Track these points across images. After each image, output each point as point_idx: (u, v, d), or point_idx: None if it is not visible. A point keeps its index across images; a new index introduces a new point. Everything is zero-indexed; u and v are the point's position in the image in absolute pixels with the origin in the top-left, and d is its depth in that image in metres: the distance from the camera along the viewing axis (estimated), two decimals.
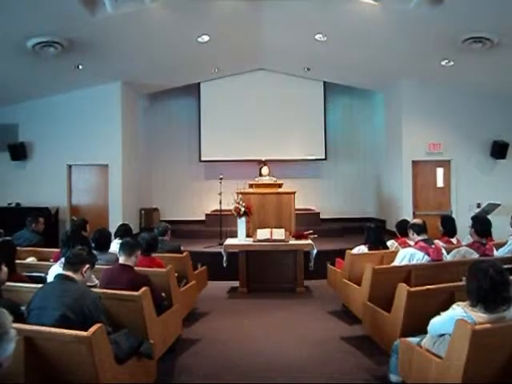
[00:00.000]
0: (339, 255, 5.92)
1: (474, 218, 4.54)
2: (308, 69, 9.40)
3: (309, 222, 8.82)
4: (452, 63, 7.31)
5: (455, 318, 2.32)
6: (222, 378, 3.61)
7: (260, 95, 10.16)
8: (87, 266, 2.85)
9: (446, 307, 3.11)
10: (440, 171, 8.87)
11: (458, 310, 2.41)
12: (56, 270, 3.36)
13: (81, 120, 8.64)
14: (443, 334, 2.50)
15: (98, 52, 6.92)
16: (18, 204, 8.65)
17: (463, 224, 5.58)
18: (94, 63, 7.39)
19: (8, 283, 3.03)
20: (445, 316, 2.51)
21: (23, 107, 8.72)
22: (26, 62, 6.67)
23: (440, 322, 2.54)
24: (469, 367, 2.21)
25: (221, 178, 7.98)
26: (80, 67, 7.34)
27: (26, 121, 8.77)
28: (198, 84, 10.19)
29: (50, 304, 2.62)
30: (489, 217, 6.67)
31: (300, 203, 8.80)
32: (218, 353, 4.14)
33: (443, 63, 7.36)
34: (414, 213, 8.57)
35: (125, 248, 3.43)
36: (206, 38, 7.26)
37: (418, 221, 4.47)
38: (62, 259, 3.25)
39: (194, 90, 10.26)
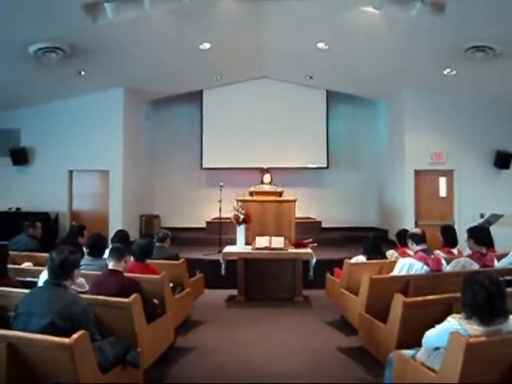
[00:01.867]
0: (339, 265, 5.84)
1: (470, 229, 4.46)
2: (310, 77, 9.39)
3: (309, 230, 8.74)
4: (455, 72, 7.27)
5: (450, 331, 2.24)
6: None
7: (262, 103, 10.15)
8: (76, 270, 2.80)
9: (443, 319, 3.04)
10: (443, 181, 8.79)
11: (453, 323, 2.34)
12: (47, 275, 3.31)
13: (82, 126, 8.66)
14: (438, 348, 2.43)
15: (100, 58, 6.95)
16: (18, 209, 8.66)
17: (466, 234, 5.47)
18: (96, 69, 7.42)
19: None
20: (439, 328, 2.44)
21: (25, 112, 8.76)
22: (27, 68, 6.70)
23: (435, 335, 2.46)
24: (463, 381, 2.13)
25: (221, 186, 7.94)
26: (82, 73, 7.37)
27: (28, 126, 8.81)
28: (201, 91, 10.21)
29: (38, 310, 2.57)
30: (491, 228, 6.64)
31: (301, 212, 8.75)
32: (212, 363, 4.06)
33: (446, 72, 7.32)
34: (416, 222, 8.48)
35: (114, 253, 3.40)
36: (207, 45, 7.28)
37: (417, 230, 4.41)
38: None
39: (196, 97, 10.27)
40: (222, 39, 7.29)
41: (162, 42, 6.90)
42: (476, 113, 8.57)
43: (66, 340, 2.18)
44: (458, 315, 2.39)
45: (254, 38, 7.66)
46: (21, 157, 8.75)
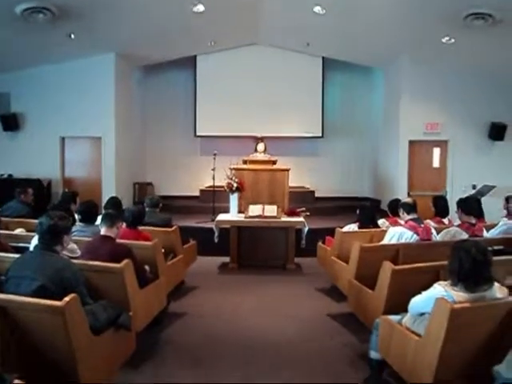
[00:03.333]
0: (331, 233, 5.90)
1: (459, 200, 4.51)
2: (308, 44, 9.18)
3: (303, 199, 8.78)
4: (453, 40, 7.14)
5: (435, 297, 2.29)
6: (205, 351, 3.62)
7: (258, 70, 9.96)
8: (66, 236, 2.80)
9: (430, 286, 3.11)
10: (437, 151, 8.79)
11: (439, 289, 2.38)
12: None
13: (73, 91, 8.49)
14: (423, 313, 2.48)
15: (90, 21, 6.75)
16: (10, 175, 8.59)
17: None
18: (87, 33, 7.21)
19: None
20: (425, 295, 2.49)
21: (15, 76, 8.55)
22: (15, 29, 6.50)
23: (420, 301, 2.51)
24: (446, 345, 2.19)
25: (215, 154, 7.88)
26: (72, 36, 7.17)
27: (18, 91, 8.63)
28: (195, 57, 9.98)
29: (29, 274, 2.58)
30: (483, 199, 6.70)
31: (295, 181, 8.76)
32: (204, 327, 4.15)
33: (444, 40, 7.19)
34: (408, 193, 8.53)
35: (106, 219, 3.40)
36: (201, 7, 7.04)
37: (408, 200, 4.43)
38: None
39: (190, 63, 10.05)
40: (216, 1, 7.07)
41: (153, 4, 6.68)
42: (473, 83, 8.47)
43: (57, 303, 2.20)
44: (445, 282, 2.43)
45: (249, 1, 7.43)
46: (11, 122, 8.62)
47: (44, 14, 5.93)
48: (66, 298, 2.22)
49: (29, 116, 8.74)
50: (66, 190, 8.36)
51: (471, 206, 4.48)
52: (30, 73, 8.53)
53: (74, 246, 3.48)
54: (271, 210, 6.34)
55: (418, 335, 2.46)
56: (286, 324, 4.27)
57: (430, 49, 7.82)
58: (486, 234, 4.52)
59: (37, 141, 8.63)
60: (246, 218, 6.33)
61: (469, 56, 7.77)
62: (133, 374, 3.18)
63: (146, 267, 3.64)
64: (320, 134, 10.13)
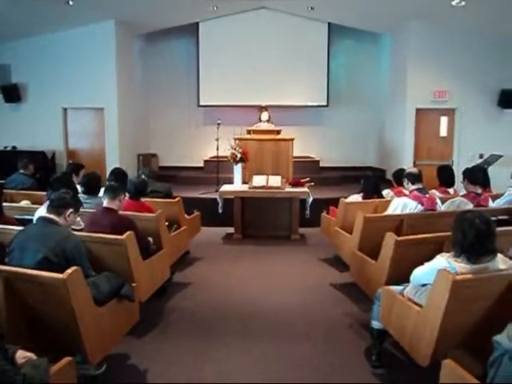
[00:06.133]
0: (336, 204, 5.88)
1: (465, 170, 4.45)
2: (312, 8, 8.89)
3: (308, 169, 8.73)
4: (464, 3, 6.88)
5: (438, 268, 2.28)
6: (208, 321, 3.68)
7: (261, 37, 9.70)
8: (70, 210, 2.80)
9: (433, 257, 3.09)
10: (444, 120, 8.62)
11: (441, 261, 2.36)
12: (41, 212, 3.33)
13: (74, 61, 8.35)
14: (425, 284, 2.48)
15: None
16: (14, 147, 8.59)
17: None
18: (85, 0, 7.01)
19: None
20: (428, 266, 2.47)
21: (15, 47, 8.43)
22: None
23: (423, 272, 2.50)
24: (447, 316, 2.20)
25: (218, 124, 7.79)
26: (70, 3, 6.98)
27: (19, 61, 8.52)
28: (197, 24, 9.72)
29: (32, 246, 2.60)
30: (490, 168, 6.61)
31: (300, 151, 8.69)
32: (208, 297, 4.21)
33: (454, 3, 6.92)
34: (414, 162, 8.44)
35: (108, 191, 3.39)
36: None
37: (413, 170, 4.35)
38: (48, 202, 3.20)
39: (192, 30, 9.79)
40: None
41: None
42: (483, 49, 8.22)
43: (59, 275, 2.22)
44: (448, 254, 2.41)
45: None
46: (13, 94, 8.54)
47: None
48: (69, 271, 2.23)
49: (30, 86, 8.65)
50: (71, 162, 8.37)
51: (477, 176, 4.41)
52: (30, 42, 8.39)
53: (78, 218, 3.49)
54: (275, 181, 6.30)
55: (420, 306, 2.47)
56: (289, 294, 4.31)
57: (439, 12, 7.55)
58: (492, 204, 4.48)
59: (39, 112, 8.57)
60: (250, 188, 6.31)
61: (479, 21, 7.50)
62: (137, 342, 3.25)
63: (150, 239, 3.66)
64: (325, 103, 9.95)
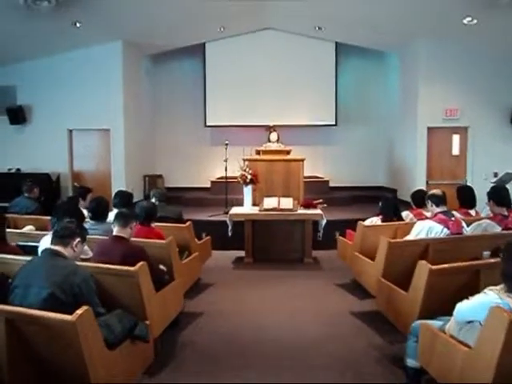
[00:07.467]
0: (348, 225, 5.68)
1: (490, 191, 4.24)
2: (319, 28, 8.84)
3: (317, 190, 8.55)
4: (475, 21, 6.76)
5: (489, 305, 2.04)
6: (223, 355, 3.42)
7: (268, 57, 9.64)
8: (77, 239, 2.60)
9: (468, 287, 2.86)
10: (456, 138, 8.44)
11: (492, 296, 2.13)
12: (47, 241, 3.12)
13: (80, 82, 8.24)
14: (471, 321, 2.24)
15: (96, 9, 6.46)
16: (18, 169, 8.44)
17: (479, 194, 5.21)
18: (92, 21, 6.93)
19: None
20: (475, 301, 2.23)
21: (20, 68, 8.33)
22: (19, 18, 6.25)
23: (469, 308, 2.25)
24: (503, 358, 1.95)
25: (226, 144, 7.64)
26: (78, 25, 6.91)
27: (24, 83, 8.40)
28: (203, 45, 9.67)
29: (37, 282, 2.39)
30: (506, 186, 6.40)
31: (308, 171, 8.51)
32: (221, 328, 3.95)
33: (465, 21, 6.81)
34: (427, 182, 8.23)
35: (119, 219, 3.18)
36: None
37: (437, 191, 4.14)
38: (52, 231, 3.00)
39: (198, 50, 9.75)
40: None
41: None
42: (495, 67, 8.08)
43: (68, 317, 1.99)
44: (497, 287, 2.18)
45: None
46: (18, 115, 8.42)
47: (48, 1, 5.67)
48: (78, 311, 2.01)
49: (35, 108, 8.53)
50: (76, 184, 8.21)
51: (503, 196, 4.21)
52: (36, 64, 8.30)
53: (86, 247, 3.28)
54: (287, 203, 6.10)
55: (466, 345, 2.22)
56: (306, 323, 4.06)
57: (449, 31, 7.44)
58: None
59: (44, 134, 8.43)
60: (260, 210, 6.11)
61: (491, 38, 7.38)
62: (149, 382, 3.00)
63: (162, 267, 3.43)
64: (333, 122, 9.82)
